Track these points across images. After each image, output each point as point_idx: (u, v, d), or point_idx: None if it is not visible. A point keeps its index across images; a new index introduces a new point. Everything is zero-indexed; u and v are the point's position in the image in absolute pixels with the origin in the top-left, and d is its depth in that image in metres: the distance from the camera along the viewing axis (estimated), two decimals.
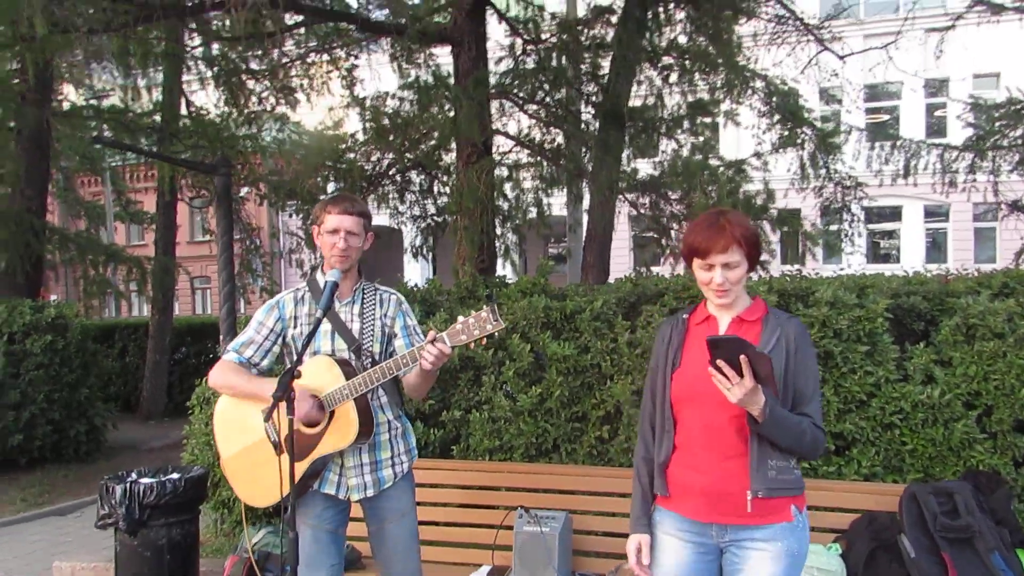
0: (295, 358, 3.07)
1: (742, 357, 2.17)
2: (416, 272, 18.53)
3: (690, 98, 8.27)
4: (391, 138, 8.48)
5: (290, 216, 11.95)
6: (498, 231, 7.89)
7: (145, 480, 4.21)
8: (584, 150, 7.75)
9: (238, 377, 3.06)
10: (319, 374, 2.93)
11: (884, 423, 3.98)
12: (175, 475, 4.33)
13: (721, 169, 7.35)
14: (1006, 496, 3.50)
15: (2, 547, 6.12)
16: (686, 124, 7.85)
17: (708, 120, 8.21)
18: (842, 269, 6.66)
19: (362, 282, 3.19)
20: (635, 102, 8.04)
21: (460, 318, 2.75)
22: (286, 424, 2.52)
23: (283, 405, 2.54)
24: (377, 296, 3.19)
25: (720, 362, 2.20)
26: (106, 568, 4.81)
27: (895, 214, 22.18)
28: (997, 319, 3.96)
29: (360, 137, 9.17)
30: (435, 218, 10.16)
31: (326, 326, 3.06)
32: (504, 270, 7.71)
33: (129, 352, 14.01)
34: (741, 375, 2.18)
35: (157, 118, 11.73)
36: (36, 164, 9.79)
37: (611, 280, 7.40)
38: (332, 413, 2.91)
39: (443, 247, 11.08)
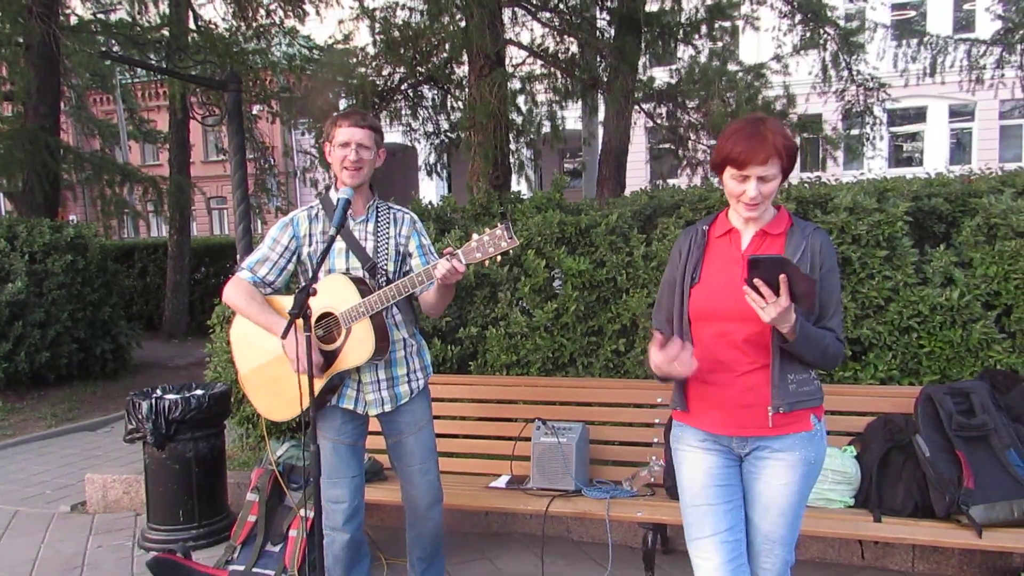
0: (310, 276, 3.09)
1: (781, 276, 2.09)
2: (431, 190, 18.41)
3: (709, 1, 7.97)
4: (402, 51, 8.29)
5: (303, 134, 11.87)
6: (512, 146, 7.77)
7: (170, 396, 4.31)
8: (599, 59, 7.54)
9: (251, 304, 3.05)
10: (335, 292, 2.94)
11: (901, 327, 3.96)
12: (199, 391, 4.43)
13: (740, 75, 7.14)
14: (1023, 394, 3.49)
15: (36, 461, 6.31)
16: (704, 29, 7.58)
17: (727, 24, 7.92)
18: (862, 174, 6.54)
19: (375, 200, 3.17)
20: (652, 7, 7.77)
21: (475, 236, 2.73)
22: (303, 341, 2.54)
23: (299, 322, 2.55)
24: (391, 214, 3.17)
25: (757, 280, 2.13)
26: (136, 480, 4.96)
27: (919, 115, 21.69)
28: (1020, 217, 3.88)
29: (371, 51, 8.97)
30: (449, 134, 10.03)
31: (340, 244, 3.05)
32: (519, 186, 7.63)
33: (149, 272, 14.18)
34: (778, 294, 2.12)
35: (165, 32, 11.50)
36: (47, 81, 9.61)
37: (627, 193, 7.32)
38: (349, 330, 2.93)
39: (458, 164, 10.98)
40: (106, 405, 8.13)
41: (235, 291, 3.09)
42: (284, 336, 2.56)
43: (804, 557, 3.95)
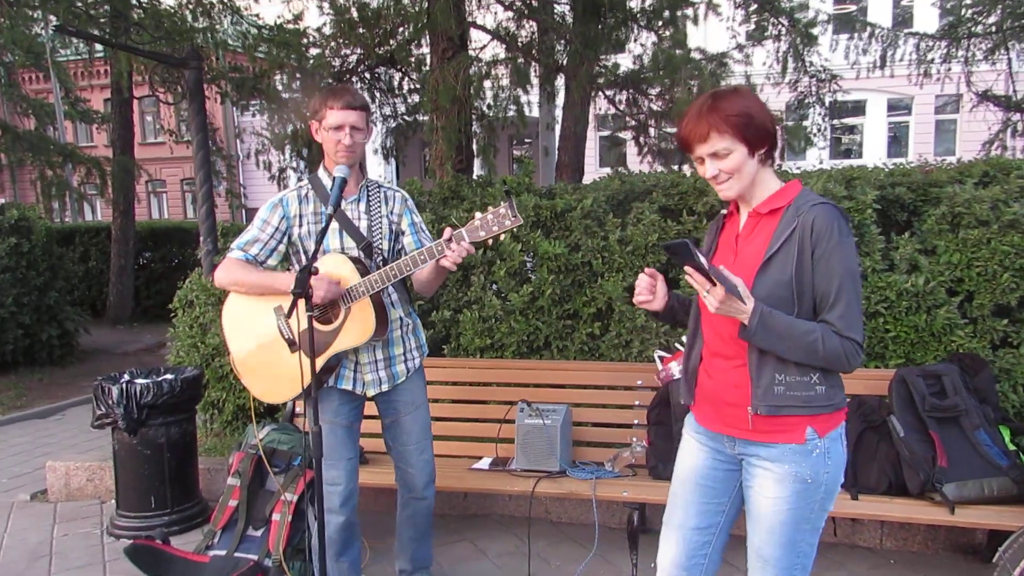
0: (302, 257, 3.06)
1: (689, 266, 1.97)
2: (376, 173, 18.24)
3: None
4: (360, 31, 8.18)
5: (253, 116, 11.62)
6: (476, 131, 7.73)
7: (140, 381, 4.21)
8: (563, 43, 7.55)
9: (248, 272, 3.01)
10: (334, 271, 2.90)
11: (869, 312, 4.06)
12: (169, 376, 4.34)
13: (703, 63, 7.23)
14: (990, 377, 3.64)
15: None
16: (667, 15, 7.64)
17: (689, 12, 7.99)
18: (814, 165, 6.70)
19: (366, 179, 3.14)
20: None
21: (478, 214, 2.72)
22: (304, 320, 2.51)
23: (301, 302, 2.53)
24: (382, 193, 3.15)
25: (689, 268, 1.99)
26: (100, 467, 4.85)
27: (857, 108, 22.23)
28: (983, 207, 4.03)
29: (327, 31, 8.83)
30: (405, 117, 9.95)
31: (333, 224, 3.01)
32: (482, 171, 7.60)
33: (91, 256, 13.73)
34: (714, 282, 1.97)
35: (108, 8, 11.05)
36: None
37: (585, 180, 7.35)
38: (348, 310, 2.91)
39: (410, 148, 10.92)
40: (54, 392, 7.90)
41: (228, 268, 3.03)
42: (288, 316, 2.53)
43: None
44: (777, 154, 2.17)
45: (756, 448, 2.15)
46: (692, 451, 2.33)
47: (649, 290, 2.30)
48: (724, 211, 2.31)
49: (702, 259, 1.97)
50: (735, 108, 2.05)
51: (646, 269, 2.32)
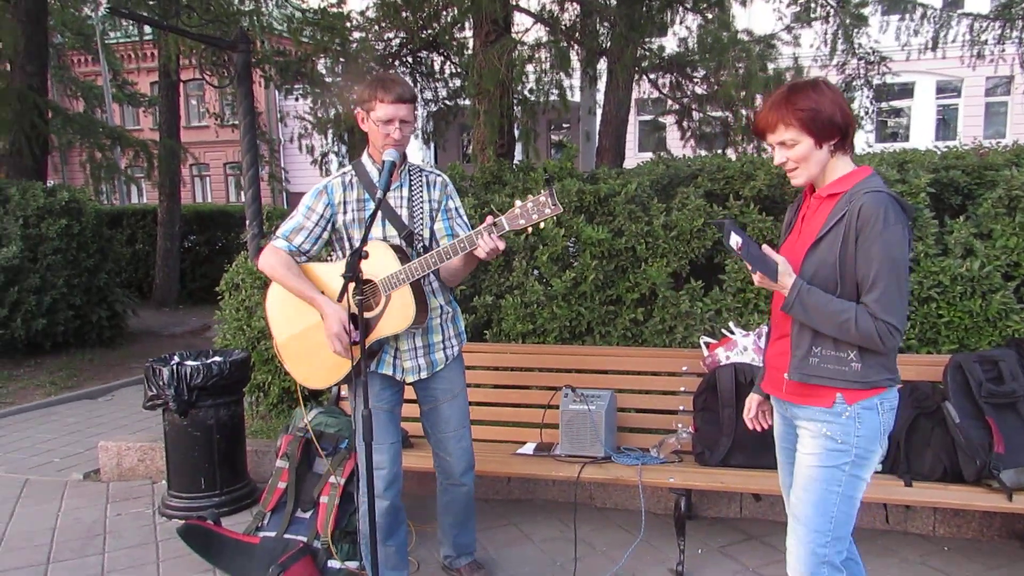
0: (345, 244, 3.07)
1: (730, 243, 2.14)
2: (416, 158, 18.22)
3: None
4: (404, 15, 8.18)
5: (296, 100, 11.70)
6: (518, 115, 7.69)
7: (190, 363, 4.28)
8: (607, 26, 7.46)
9: (289, 276, 3.00)
10: (375, 258, 2.90)
11: (921, 297, 3.99)
12: (218, 358, 4.40)
13: (751, 45, 7.10)
14: None
15: (39, 429, 6.27)
16: None
17: None
18: (862, 149, 6.58)
19: (408, 164, 3.13)
20: None
21: (518, 202, 2.71)
22: (353, 305, 2.52)
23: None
24: (423, 178, 3.14)
25: (738, 246, 2.15)
26: (151, 447, 4.94)
27: (906, 91, 21.70)
28: None
29: (371, 14, 8.84)
30: (446, 102, 9.94)
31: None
32: (525, 156, 7.59)
33: (138, 239, 14.00)
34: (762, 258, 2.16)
35: None
36: (34, 38, 9.30)
37: (625, 164, 7.28)
38: (388, 297, 2.92)
39: (450, 132, 10.91)
40: (104, 373, 8.09)
41: (273, 260, 3.04)
42: (340, 299, 2.55)
43: None
44: (851, 143, 2.28)
45: (796, 409, 2.34)
46: (775, 417, 2.56)
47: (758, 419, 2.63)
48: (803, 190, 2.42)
49: (737, 241, 2.12)
50: (804, 103, 2.18)
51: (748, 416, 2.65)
